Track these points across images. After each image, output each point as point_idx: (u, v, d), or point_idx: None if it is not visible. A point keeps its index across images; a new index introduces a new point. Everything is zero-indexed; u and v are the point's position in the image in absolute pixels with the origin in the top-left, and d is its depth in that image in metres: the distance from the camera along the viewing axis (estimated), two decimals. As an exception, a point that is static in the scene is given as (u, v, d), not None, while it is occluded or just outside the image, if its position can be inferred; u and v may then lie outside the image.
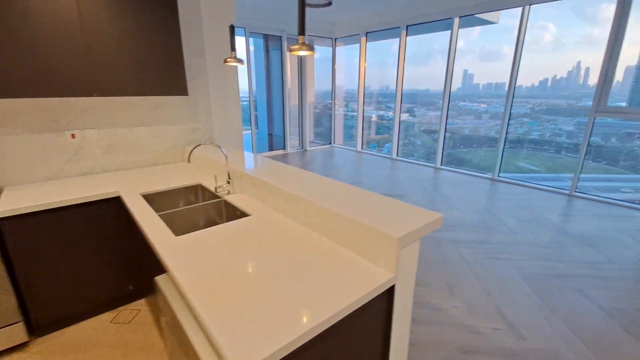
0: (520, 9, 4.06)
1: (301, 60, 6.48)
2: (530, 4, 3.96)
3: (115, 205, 1.78)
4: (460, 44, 5.74)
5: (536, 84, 5.65)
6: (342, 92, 7.56)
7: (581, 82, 4.71)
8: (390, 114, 6.94)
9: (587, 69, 4.68)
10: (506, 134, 4.57)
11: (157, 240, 1.21)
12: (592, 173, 4.76)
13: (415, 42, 5.70)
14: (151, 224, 1.34)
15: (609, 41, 3.43)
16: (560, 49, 5.44)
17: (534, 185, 4.30)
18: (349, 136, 7.50)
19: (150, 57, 1.90)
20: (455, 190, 4.19)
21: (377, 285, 0.95)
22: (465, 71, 6.00)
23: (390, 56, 5.89)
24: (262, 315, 0.80)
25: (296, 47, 1.38)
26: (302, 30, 1.32)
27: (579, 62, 5.16)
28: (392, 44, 5.73)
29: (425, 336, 1.73)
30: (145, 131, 2.25)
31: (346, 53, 7.02)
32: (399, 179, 4.73)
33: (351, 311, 0.88)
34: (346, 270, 1.01)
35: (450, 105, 5.50)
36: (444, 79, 5.11)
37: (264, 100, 6.50)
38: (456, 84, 6.47)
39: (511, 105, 4.49)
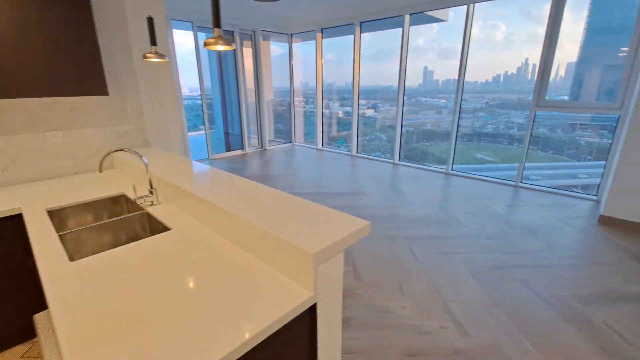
0: (465, 7, 4.16)
1: (257, 56, 6.26)
2: (475, 2, 4.08)
3: (16, 225, 1.53)
4: (420, 41, 5.83)
5: (490, 79, 5.95)
6: (308, 89, 7.43)
7: (529, 77, 5.00)
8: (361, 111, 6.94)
9: (534, 65, 4.95)
10: (457, 129, 4.71)
11: (45, 266, 1.02)
12: (542, 162, 5.18)
13: (377, 39, 5.72)
14: (44, 246, 1.15)
15: (545, 39, 3.61)
16: (510, 46, 5.75)
17: (483, 178, 4.46)
18: (314, 134, 7.40)
19: (58, 53, 1.66)
20: (411, 185, 4.25)
21: (295, 305, 0.85)
22: (426, 68, 6.20)
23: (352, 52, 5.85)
24: (159, 356, 0.67)
25: (211, 40, 1.24)
26: (217, 22, 1.18)
27: (526, 59, 5.50)
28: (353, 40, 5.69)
29: (371, 341, 1.68)
30: (62, 136, 1.99)
31: (307, 49, 6.90)
32: (357, 176, 4.72)
33: (267, 336, 0.78)
34: (265, 290, 0.90)
35: (412, 101, 5.59)
36: (400, 75, 5.15)
37: (219, 98, 6.22)
38: (417, 80, 6.65)
39: (461, 100, 4.62)
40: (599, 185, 3.64)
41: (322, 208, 1.19)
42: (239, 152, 6.34)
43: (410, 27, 5.05)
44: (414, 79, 6.57)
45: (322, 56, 6.25)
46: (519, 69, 5.54)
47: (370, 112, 6.79)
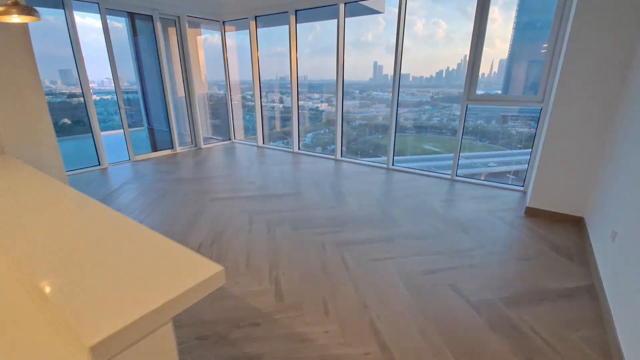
0: (397, -3, 4.04)
1: (183, 45, 5.63)
2: (406, -8, 3.96)
3: None
4: (369, 36, 5.69)
5: (434, 74, 6.07)
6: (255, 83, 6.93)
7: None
8: (310, 103, 6.64)
9: None
10: (396, 123, 4.63)
11: None
12: (480, 151, 5.44)
13: (327, 32, 5.47)
14: None
15: (473, 36, 3.60)
16: (451, 43, 5.87)
17: (422, 172, 4.45)
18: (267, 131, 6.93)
19: None
20: (351, 183, 4.07)
21: None
22: (375, 62, 6.16)
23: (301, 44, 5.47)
24: None
25: (2, 9, 0.83)
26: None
27: (465, 56, 5.68)
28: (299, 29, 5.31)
29: (283, 384, 1.41)
30: None
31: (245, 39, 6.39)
32: (295, 175, 4.43)
33: None
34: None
35: (364, 95, 5.45)
36: (338, 68, 4.93)
37: (140, 92, 5.50)
38: (368, 74, 6.59)
39: (398, 95, 4.54)
40: (525, 177, 3.78)
41: (170, 245, 0.87)
42: (168, 151, 5.70)
43: (348, 19, 4.86)
44: (365, 74, 6.47)
45: (258, 46, 5.82)
46: (458, 64, 5.71)
47: (324, 106, 6.58)
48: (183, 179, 4.25)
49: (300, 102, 5.79)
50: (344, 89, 5.09)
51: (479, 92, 3.78)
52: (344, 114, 5.22)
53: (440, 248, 2.51)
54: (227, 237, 2.67)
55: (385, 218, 3.04)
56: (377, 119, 6.50)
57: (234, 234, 2.73)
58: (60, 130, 5.12)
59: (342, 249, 2.49)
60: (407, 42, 4.34)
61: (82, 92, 4.48)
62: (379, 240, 2.62)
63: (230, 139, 6.80)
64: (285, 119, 6.64)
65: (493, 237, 2.68)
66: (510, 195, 3.61)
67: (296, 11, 5.11)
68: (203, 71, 7.09)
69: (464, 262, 2.31)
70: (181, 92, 6.40)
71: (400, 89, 4.52)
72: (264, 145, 6.30)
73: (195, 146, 6.18)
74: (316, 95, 6.83)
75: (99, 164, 4.80)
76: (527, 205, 3.14)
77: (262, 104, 6.21)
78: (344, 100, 5.15)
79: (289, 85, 5.55)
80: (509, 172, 4.97)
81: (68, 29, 4.19)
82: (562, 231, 2.78)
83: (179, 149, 5.86)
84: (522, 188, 3.77)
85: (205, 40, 6.88)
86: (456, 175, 4.19)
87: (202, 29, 6.86)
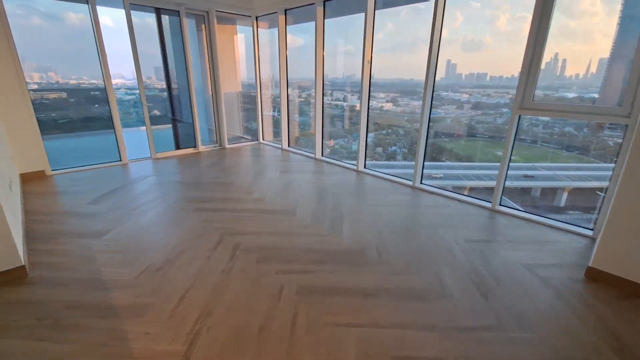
0: (435, -23, 3.25)
1: (211, 41, 5.48)
2: (447, -29, 3.16)
3: None
4: (445, 33, 5.09)
5: (516, 74, 5.13)
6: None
7: (558, 73, 4.39)
8: (375, 103, 6.07)
9: (564, 61, 4.30)
10: (427, 130, 3.83)
11: None
12: (566, 162, 4.45)
13: (399, 29, 4.94)
14: None
15: (531, 33, 2.68)
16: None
17: (454, 197, 3.58)
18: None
19: None
20: (360, 202, 3.42)
21: None
22: (449, 61, 5.48)
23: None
24: None
25: None
26: None
27: (556, 54, 4.78)
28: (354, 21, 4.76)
29: None
30: None
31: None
32: (303, 187, 3.91)
33: None
34: None
35: (433, 95, 4.86)
36: (425, 68, 4.30)
37: (182, 89, 5.49)
38: (440, 73, 5.85)
39: (432, 100, 3.74)
40: (597, 214, 2.73)
41: None
42: (190, 150, 5.63)
43: (387, 10, 4.20)
44: (437, 72, 5.67)
45: (286, 42, 5.41)
46: (547, 64, 4.75)
47: (389, 106, 6.03)
48: (182, 182, 4.03)
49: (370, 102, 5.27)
50: (414, 89, 4.42)
51: (559, 94, 2.84)
52: (368, 122, 4.54)
53: (435, 318, 1.78)
54: (180, 264, 2.28)
55: (376, 258, 2.37)
56: (444, 121, 5.74)
57: (188, 261, 2.32)
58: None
59: (301, 300, 1.91)
60: (487, 39, 3.74)
61: (105, 88, 4.54)
62: (354, 294, 1.98)
63: (257, 140, 6.55)
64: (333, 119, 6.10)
65: (523, 310, 1.85)
66: (571, 242, 2.63)
67: (324, 2, 4.56)
68: (238, 69, 6.95)
69: (463, 351, 1.57)
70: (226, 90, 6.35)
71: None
72: (288, 149, 5.89)
73: (220, 145, 6.04)
74: (381, 95, 6.24)
75: (120, 160, 4.86)
76: (589, 265, 2.18)
77: (296, 104, 5.81)
78: (369, 101, 4.48)
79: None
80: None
81: (92, 25, 4.24)
82: (638, 317, 1.82)
83: (202, 147, 5.76)
84: (591, 232, 2.74)
85: (246, 38, 6.70)
86: (499, 204, 3.26)
87: (237, 26, 6.71)
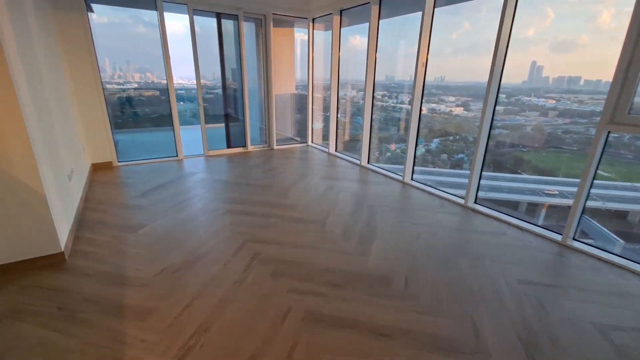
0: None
1: (266, 44, 5.57)
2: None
3: None
4: (530, 32, 4.62)
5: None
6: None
7: None
8: (443, 106, 5.70)
9: None
10: (487, 143, 3.33)
11: None
12: None
13: (475, 27, 4.60)
14: None
15: (630, 28, 2.09)
16: None
17: (514, 222, 3.04)
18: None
19: None
20: (399, 220, 3.09)
21: None
22: (534, 62, 4.89)
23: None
24: None
25: None
26: None
27: None
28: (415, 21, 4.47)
29: None
30: None
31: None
32: (340, 196, 3.70)
33: None
34: None
35: (511, 100, 4.40)
36: (507, 71, 3.93)
37: (224, 90, 5.72)
38: (521, 76, 5.25)
39: (495, 105, 3.24)
40: None
41: None
42: (240, 149, 5.80)
43: (446, 7, 3.80)
44: (518, 75, 5.05)
45: (339, 43, 5.23)
46: None
47: (458, 110, 5.60)
48: (224, 182, 4.12)
49: (432, 105, 4.98)
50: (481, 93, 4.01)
51: None
52: (419, 129, 4.13)
53: (461, 382, 1.44)
54: (197, 268, 2.26)
55: (402, 289, 2.06)
56: (523, 129, 5.11)
57: (205, 265, 2.30)
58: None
59: (304, 329, 1.72)
60: (583, 38, 3.25)
61: (167, 88, 4.88)
62: (367, 330, 1.72)
63: (306, 142, 6.50)
64: (388, 123, 5.81)
65: None
66: (671, 302, 1.99)
67: (380, 0, 4.28)
68: (292, 70, 6.99)
69: None
70: (279, 90, 6.49)
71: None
72: (335, 153, 5.72)
73: (268, 146, 6.13)
74: (451, 98, 5.79)
75: (177, 156, 5.20)
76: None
77: (355, 107, 5.63)
78: (422, 104, 4.08)
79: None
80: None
81: (159, 28, 4.58)
82: None
83: (251, 147, 5.90)
84: None
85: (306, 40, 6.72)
86: (572, 239, 2.66)
87: (295, 28, 6.74)
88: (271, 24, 5.41)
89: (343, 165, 5.06)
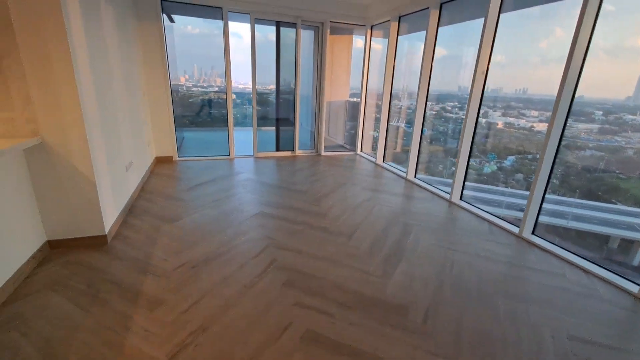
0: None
1: (321, 51, 5.61)
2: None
3: None
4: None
5: None
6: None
7: None
8: (524, 121, 5.22)
9: None
10: (553, 163, 2.86)
11: None
12: None
13: (564, 34, 4.27)
14: None
15: None
16: None
17: (578, 264, 2.53)
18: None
19: None
20: (436, 244, 2.80)
21: None
22: None
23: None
24: None
25: None
26: None
27: None
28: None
29: None
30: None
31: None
32: (377, 209, 3.51)
33: None
34: None
35: (610, 119, 3.93)
36: (608, 83, 3.58)
37: (276, 95, 5.90)
38: (625, 91, 4.46)
39: (565, 120, 2.78)
40: None
41: None
42: (288, 153, 5.92)
43: (528, 11, 3.42)
44: (619, 90, 4.35)
45: (396, 52, 5.04)
46: None
47: (541, 126, 5.05)
48: (264, 183, 4.21)
49: (511, 119, 4.61)
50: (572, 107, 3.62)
51: None
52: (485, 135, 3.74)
53: None
54: (215, 265, 2.31)
55: (419, 324, 1.82)
56: (622, 152, 4.36)
57: (223, 264, 2.33)
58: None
59: (301, 348, 1.62)
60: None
61: (226, 92, 5.21)
62: (366, 363, 1.55)
63: (355, 151, 6.37)
64: (455, 135, 5.48)
65: None
66: None
67: (441, 4, 4.01)
68: (348, 78, 6.95)
69: None
70: (335, 97, 6.55)
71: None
72: (382, 164, 5.50)
73: (316, 152, 6.15)
74: (533, 113, 5.25)
75: (229, 155, 5.51)
76: None
77: (387, 117, 5.40)
78: (479, 115, 3.69)
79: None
80: None
81: (223, 36, 4.91)
82: None
83: (298, 152, 5.98)
84: None
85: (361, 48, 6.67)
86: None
87: (354, 36, 6.70)
88: (327, 31, 5.44)
89: (387, 176, 4.82)
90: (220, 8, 4.75)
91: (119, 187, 3.00)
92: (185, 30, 7.15)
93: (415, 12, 4.46)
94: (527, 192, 2.94)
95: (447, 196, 3.93)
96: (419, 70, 4.34)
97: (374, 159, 5.73)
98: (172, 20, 6.53)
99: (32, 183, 2.22)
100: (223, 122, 5.55)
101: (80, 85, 2.24)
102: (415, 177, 4.69)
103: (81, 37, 2.32)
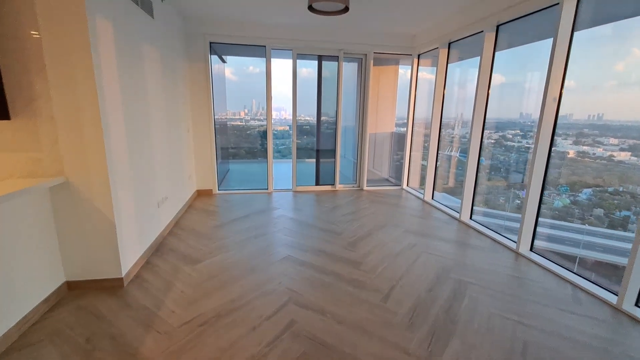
0: None
1: (364, 82, 5.41)
2: None
3: None
4: None
5: None
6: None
7: None
8: (601, 150, 4.50)
9: None
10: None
11: None
12: None
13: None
14: None
15: None
16: None
17: None
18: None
19: None
20: (496, 315, 2.19)
21: None
22: None
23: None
24: None
25: None
26: None
27: None
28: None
29: None
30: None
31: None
32: (424, 262, 2.98)
33: None
34: None
35: None
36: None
37: (317, 127, 5.76)
38: None
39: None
40: None
41: None
42: (328, 187, 5.64)
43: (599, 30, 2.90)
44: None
45: (445, 80, 4.62)
46: None
47: (624, 155, 4.23)
48: (298, 221, 3.92)
49: (584, 148, 3.99)
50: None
51: None
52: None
53: None
54: (224, 325, 2.01)
55: None
56: None
57: (233, 324, 2.02)
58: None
59: None
60: None
61: (267, 125, 5.20)
62: None
63: (400, 185, 5.87)
64: (519, 166, 4.84)
65: None
66: None
67: (498, 26, 3.57)
68: (394, 108, 6.62)
69: None
70: (381, 128, 6.29)
71: None
72: (430, 201, 4.92)
73: (358, 186, 5.77)
74: (613, 141, 4.48)
75: (267, 189, 5.40)
76: None
77: (437, 147, 4.88)
78: (552, 146, 3.05)
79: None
80: None
81: (266, 72, 4.97)
82: None
83: (339, 186, 5.67)
84: None
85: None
86: None
87: (400, 65, 6.43)
88: (371, 62, 5.25)
89: (437, 217, 4.24)
90: (264, 46, 4.85)
91: (147, 225, 2.94)
92: (247, 69, 7.77)
93: (467, 37, 4.06)
94: (610, 231, 2.23)
95: (513, 245, 3.25)
96: (473, 98, 3.85)
97: (421, 195, 5.17)
98: (223, 61, 6.94)
99: (55, 222, 2.20)
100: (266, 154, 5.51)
101: (108, 127, 2.23)
102: (471, 218, 4.05)
103: (113, 79, 2.35)
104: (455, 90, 4.73)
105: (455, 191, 5.00)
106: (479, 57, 3.72)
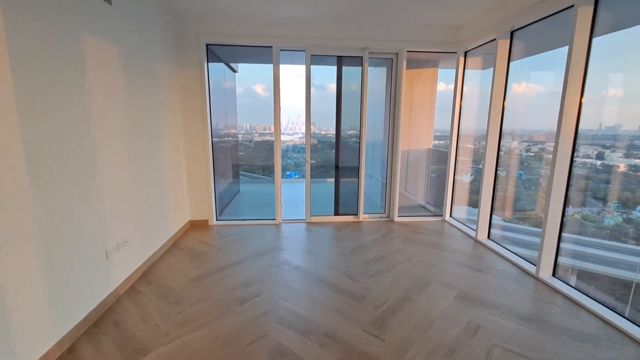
0: None
1: (395, 87, 4.36)
2: None
3: None
4: None
5: None
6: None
7: None
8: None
9: None
10: None
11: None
12: None
13: None
14: None
15: None
16: None
17: None
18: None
19: None
20: None
21: None
22: None
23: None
24: None
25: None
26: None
27: None
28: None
29: None
30: None
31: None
32: (485, 349, 1.82)
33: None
34: None
35: None
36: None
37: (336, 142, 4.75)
38: None
39: None
40: None
41: None
42: (350, 218, 4.56)
43: None
44: None
45: (507, 80, 3.47)
46: None
47: None
48: (304, 272, 2.87)
49: (637, 161, 2.89)
50: None
51: None
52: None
53: None
54: None
55: None
56: None
57: None
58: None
59: None
60: None
61: (274, 141, 4.28)
62: None
63: (442, 215, 4.66)
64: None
65: None
66: None
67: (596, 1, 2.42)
68: (432, 121, 5.49)
69: None
70: (405, 146, 5.21)
71: None
72: (484, 241, 3.68)
73: (388, 217, 4.64)
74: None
75: (274, 219, 4.43)
76: None
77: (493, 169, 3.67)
78: (573, 157, 1.79)
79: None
80: None
81: (273, 78, 4.08)
82: None
83: (364, 216, 4.58)
84: None
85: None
86: None
87: (439, 68, 5.32)
88: (404, 64, 4.20)
89: (502, 269, 3.01)
90: (270, 47, 3.98)
91: (81, 289, 2.03)
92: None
93: (543, 19, 2.92)
94: None
95: (638, 333, 1.98)
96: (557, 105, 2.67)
97: (472, 232, 3.95)
98: (234, 71, 6.21)
99: None
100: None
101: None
102: (554, 274, 2.80)
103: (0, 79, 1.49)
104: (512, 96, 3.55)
105: (523, 227, 3.73)
106: (549, 51, 2.56)
